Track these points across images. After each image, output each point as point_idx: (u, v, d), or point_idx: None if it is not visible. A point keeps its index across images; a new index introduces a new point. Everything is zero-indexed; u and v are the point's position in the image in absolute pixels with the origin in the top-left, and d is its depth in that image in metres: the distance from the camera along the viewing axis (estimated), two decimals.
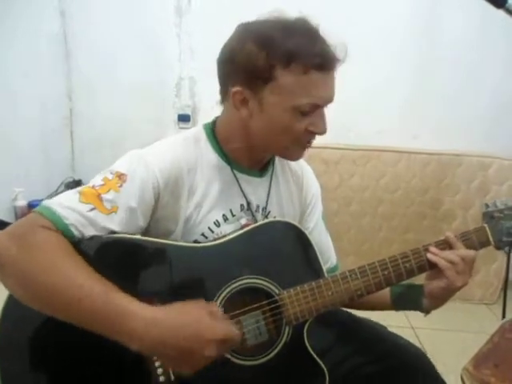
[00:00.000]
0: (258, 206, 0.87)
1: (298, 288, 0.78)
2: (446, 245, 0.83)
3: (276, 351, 0.77)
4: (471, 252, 0.81)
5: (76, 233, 0.68)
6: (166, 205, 0.77)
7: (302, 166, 0.97)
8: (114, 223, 0.71)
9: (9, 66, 2.15)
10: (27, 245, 0.64)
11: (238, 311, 0.76)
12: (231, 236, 0.79)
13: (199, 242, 0.80)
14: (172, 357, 0.63)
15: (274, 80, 0.73)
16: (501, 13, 0.75)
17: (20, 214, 2.18)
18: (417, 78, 2.32)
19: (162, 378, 0.70)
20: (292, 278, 0.79)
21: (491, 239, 0.85)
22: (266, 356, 0.76)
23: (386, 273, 0.80)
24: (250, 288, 0.76)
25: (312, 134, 0.79)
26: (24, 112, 2.25)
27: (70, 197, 0.71)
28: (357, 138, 2.33)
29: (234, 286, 0.75)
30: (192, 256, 0.76)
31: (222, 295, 0.74)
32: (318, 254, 0.83)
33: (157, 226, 0.78)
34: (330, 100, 0.77)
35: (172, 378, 0.71)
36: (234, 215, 0.84)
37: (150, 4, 2.42)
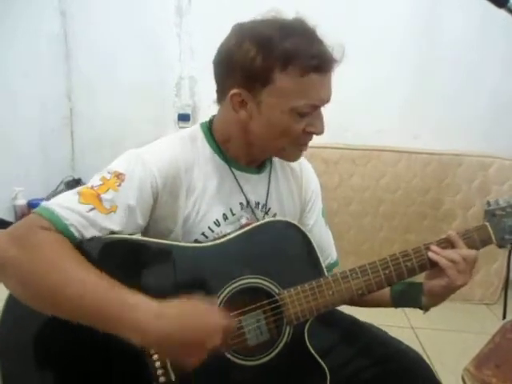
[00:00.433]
0: (257, 204, 0.87)
1: (299, 287, 0.77)
2: (447, 243, 0.82)
3: (277, 351, 0.76)
4: (473, 252, 0.81)
5: (76, 233, 0.68)
6: (165, 204, 0.77)
7: (301, 163, 0.97)
8: (114, 223, 0.71)
9: (9, 65, 2.15)
10: (27, 245, 0.64)
11: (238, 311, 0.76)
12: (231, 236, 0.79)
13: (200, 242, 0.80)
14: (175, 349, 0.63)
15: (271, 83, 0.73)
16: (501, 13, 0.75)
17: (20, 213, 2.18)
18: (417, 78, 2.32)
19: (162, 379, 0.70)
20: (292, 277, 0.78)
21: (493, 237, 0.84)
22: (266, 356, 0.76)
23: (387, 272, 0.80)
24: (251, 288, 0.76)
25: (310, 135, 0.79)
26: (24, 112, 2.24)
27: (69, 197, 0.71)
28: (357, 137, 2.33)
29: (234, 285, 0.75)
30: (192, 256, 0.76)
31: (223, 295, 0.74)
32: (318, 253, 0.83)
33: (156, 226, 0.78)
34: (327, 100, 0.77)
35: (173, 378, 0.70)
36: (234, 214, 0.84)
37: (150, 4, 2.42)
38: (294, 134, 0.77)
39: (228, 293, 0.74)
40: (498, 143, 2.27)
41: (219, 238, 0.79)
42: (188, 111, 2.50)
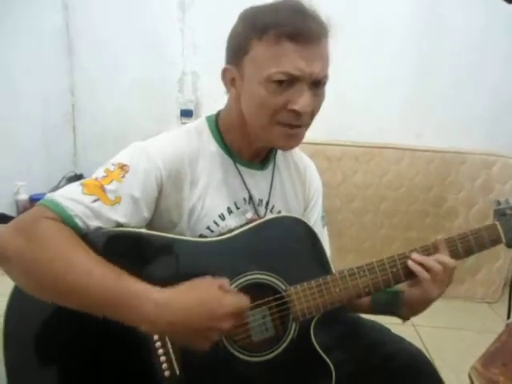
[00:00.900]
0: (260, 200, 0.86)
1: (306, 284, 0.77)
2: (427, 252, 0.81)
3: (282, 347, 0.76)
4: (452, 261, 0.79)
5: (81, 224, 0.68)
6: (169, 196, 0.76)
7: (305, 161, 0.97)
8: (119, 214, 0.71)
9: (11, 60, 2.14)
10: (32, 236, 0.64)
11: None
12: (238, 231, 0.78)
13: (205, 237, 0.80)
14: (186, 335, 0.63)
15: (250, 52, 0.73)
16: (502, 11, 0.74)
17: (21, 207, 2.18)
18: (419, 76, 2.31)
19: (167, 373, 0.70)
20: (299, 274, 0.78)
21: (503, 237, 0.84)
22: (272, 352, 0.76)
23: (394, 270, 0.80)
24: (257, 284, 0.76)
25: (293, 113, 0.73)
26: (26, 107, 2.24)
27: (73, 189, 0.71)
28: (359, 135, 2.32)
29: (240, 281, 0.75)
30: (199, 251, 0.75)
31: None
32: (325, 249, 0.82)
33: (161, 219, 0.78)
34: (309, 73, 0.71)
35: (178, 372, 0.70)
36: (238, 208, 0.83)
37: None
38: (270, 108, 0.72)
39: (234, 288, 0.74)
40: (501, 141, 2.26)
41: (225, 233, 0.79)
42: (191, 107, 2.49)
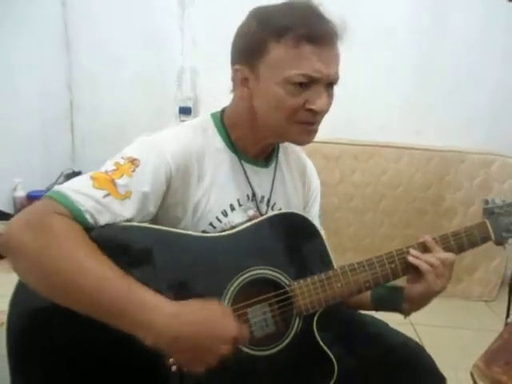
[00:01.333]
0: (262, 198, 0.87)
1: (308, 279, 0.78)
2: (423, 248, 0.83)
3: (286, 342, 0.77)
4: (450, 255, 0.82)
5: (90, 219, 0.67)
6: (176, 191, 0.76)
7: (305, 160, 0.98)
8: (128, 209, 0.70)
9: (9, 56, 2.13)
10: (42, 231, 0.63)
11: (248, 301, 0.76)
12: (241, 227, 0.79)
13: (207, 232, 0.80)
14: (187, 353, 0.63)
15: (266, 54, 0.74)
16: (502, 12, 0.75)
17: (19, 204, 2.17)
18: (419, 74, 2.31)
19: (174, 368, 0.70)
20: (302, 269, 0.79)
21: (492, 234, 0.87)
22: (276, 346, 0.77)
23: (393, 266, 0.82)
24: (261, 279, 0.77)
25: (310, 112, 0.76)
26: (24, 104, 2.22)
27: (83, 182, 0.70)
28: (358, 133, 2.32)
29: (244, 276, 0.75)
30: (203, 246, 0.76)
31: (233, 286, 0.74)
32: (327, 245, 0.83)
33: (166, 214, 0.78)
34: (327, 75, 0.74)
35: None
36: (241, 205, 0.84)
37: None
38: (289, 108, 0.75)
39: (238, 284, 0.75)
40: (501, 141, 2.27)
41: (228, 229, 0.79)
42: (189, 104, 2.48)
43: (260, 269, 0.77)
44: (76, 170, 2.50)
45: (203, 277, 0.73)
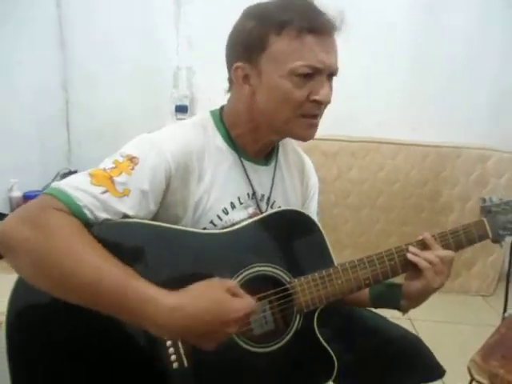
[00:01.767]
0: (262, 196, 0.87)
1: (309, 276, 0.79)
2: (422, 246, 0.84)
3: (287, 338, 0.78)
4: (450, 252, 0.83)
5: (89, 215, 0.67)
6: (176, 190, 0.76)
7: (303, 158, 0.98)
8: (127, 206, 0.70)
9: (4, 56, 2.11)
10: (41, 227, 0.62)
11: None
12: (242, 224, 0.79)
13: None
14: (194, 340, 0.63)
15: (268, 48, 0.74)
16: (499, 4, 0.75)
17: (15, 204, 2.16)
18: (416, 70, 2.31)
19: (175, 365, 0.70)
20: (302, 266, 0.80)
21: (489, 232, 0.87)
22: (278, 343, 0.77)
23: (392, 263, 0.82)
24: (261, 276, 0.77)
25: (314, 104, 0.76)
26: (19, 103, 2.21)
27: (81, 179, 0.69)
28: (355, 129, 2.32)
29: (244, 274, 0.75)
30: (204, 243, 0.76)
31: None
32: (327, 242, 0.83)
33: (166, 212, 0.77)
34: (329, 65, 0.75)
35: (185, 364, 0.71)
36: (241, 203, 0.84)
37: None
38: (295, 101, 0.75)
39: (239, 281, 0.75)
40: (496, 136, 2.27)
41: (229, 227, 0.79)
42: (186, 102, 2.47)
43: (260, 266, 0.77)
44: (72, 169, 2.49)
45: (203, 274, 0.72)
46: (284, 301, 0.78)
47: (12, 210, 2.16)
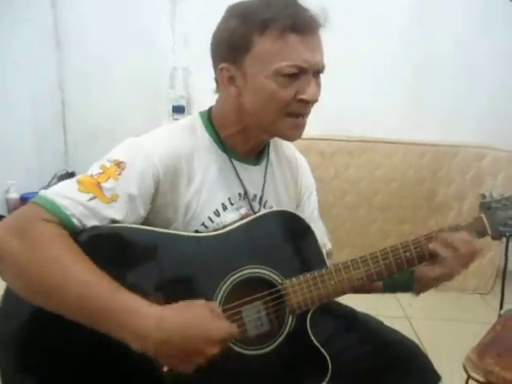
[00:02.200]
0: (255, 196, 0.86)
1: (301, 277, 0.78)
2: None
3: (280, 340, 0.77)
4: (465, 234, 0.81)
5: (77, 223, 0.67)
6: (165, 193, 0.75)
7: (297, 158, 0.96)
8: (115, 212, 0.70)
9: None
10: (28, 238, 0.62)
11: (240, 301, 0.76)
12: (233, 226, 0.78)
13: (200, 233, 0.79)
14: (174, 356, 0.62)
15: (252, 49, 0.73)
16: (501, 5, 0.75)
17: (12, 206, 2.16)
18: (415, 71, 2.32)
19: (165, 368, 0.69)
20: (294, 267, 0.79)
21: (488, 229, 0.85)
22: (270, 345, 0.76)
23: (387, 262, 0.81)
24: (253, 278, 0.76)
25: (302, 103, 0.75)
26: (15, 106, 2.21)
27: (69, 186, 0.69)
28: (353, 129, 2.32)
29: (236, 276, 0.75)
30: (194, 246, 0.75)
31: (225, 285, 0.74)
32: (319, 243, 0.83)
33: (157, 216, 0.77)
34: (314, 64, 0.74)
35: None
36: (232, 204, 0.83)
37: None
38: (282, 101, 0.74)
39: (230, 283, 0.74)
40: (492, 135, 2.27)
41: (220, 229, 0.78)
42: (182, 103, 2.47)
43: (252, 268, 0.76)
44: (69, 170, 2.49)
45: (195, 277, 0.72)
46: (276, 302, 0.77)
47: (9, 211, 2.16)
